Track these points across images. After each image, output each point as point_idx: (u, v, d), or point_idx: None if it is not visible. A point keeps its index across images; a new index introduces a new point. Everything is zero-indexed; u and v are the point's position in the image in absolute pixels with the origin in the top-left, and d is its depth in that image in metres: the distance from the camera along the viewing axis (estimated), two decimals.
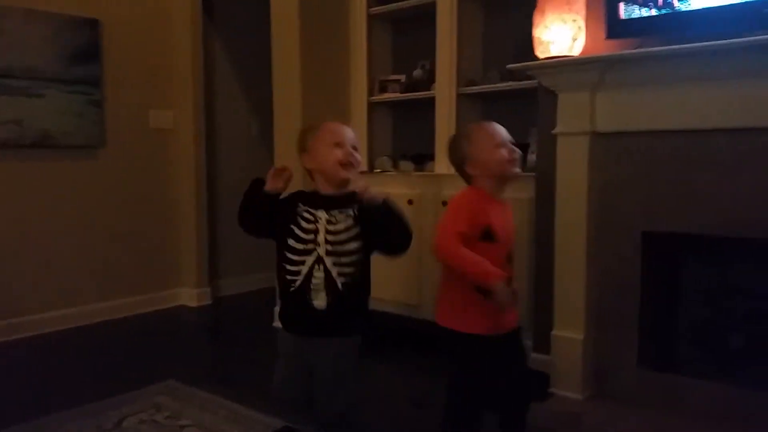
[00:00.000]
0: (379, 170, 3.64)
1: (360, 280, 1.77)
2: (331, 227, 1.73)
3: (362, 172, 3.67)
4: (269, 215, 1.78)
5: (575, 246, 2.55)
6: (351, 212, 1.75)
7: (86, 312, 3.77)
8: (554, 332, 2.62)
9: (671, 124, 2.32)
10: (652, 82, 2.34)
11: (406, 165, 3.54)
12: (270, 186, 1.76)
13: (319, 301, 1.72)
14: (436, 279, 1.99)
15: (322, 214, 1.75)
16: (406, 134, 3.83)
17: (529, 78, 2.76)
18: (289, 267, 1.75)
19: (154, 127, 4.11)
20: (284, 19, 3.54)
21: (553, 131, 2.58)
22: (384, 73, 3.75)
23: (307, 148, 1.82)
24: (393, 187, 3.46)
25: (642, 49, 2.31)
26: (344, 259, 1.73)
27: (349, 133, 1.81)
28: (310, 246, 1.73)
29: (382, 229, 1.73)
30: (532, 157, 2.92)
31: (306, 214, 1.75)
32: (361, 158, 1.82)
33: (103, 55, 3.79)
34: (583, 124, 2.49)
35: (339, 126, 1.83)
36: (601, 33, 2.47)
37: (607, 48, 2.46)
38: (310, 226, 1.74)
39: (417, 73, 3.55)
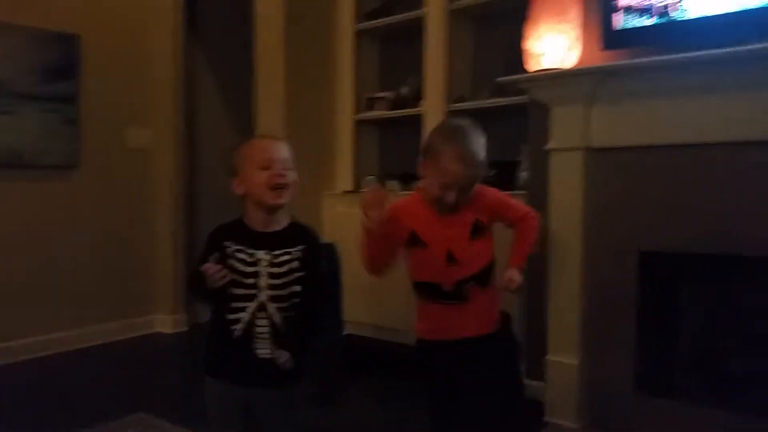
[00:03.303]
0: (364, 190, 3.53)
1: (298, 323, 1.61)
2: (275, 270, 1.56)
3: (347, 192, 3.57)
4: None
5: (569, 267, 2.44)
6: (297, 253, 1.59)
7: (58, 340, 3.57)
8: (548, 357, 2.50)
9: (669, 138, 2.23)
10: (650, 95, 2.25)
11: (393, 184, 3.43)
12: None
13: (264, 350, 1.56)
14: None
15: (263, 256, 1.57)
16: (393, 153, 3.73)
17: (521, 93, 2.67)
18: (228, 314, 1.57)
19: (131, 147, 3.96)
20: (269, 35, 3.47)
21: (546, 147, 2.49)
22: (371, 90, 3.66)
23: (237, 170, 1.61)
24: None
25: (637, 59, 2.24)
26: (286, 304, 1.58)
27: (281, 151, 1.61)
28: (252, 291, 1.56)
29: None
30: (523, 175, 2.82)
31: (242, 255, 1.56)
32: (296, 178, 1.61)
33: (81, 72, 3.65)
34: (577, 139, 2.40)
35: (268, 143, 1.64)
36: (596, 44, 2.39)
37: (602, 60, 2.37)
38: (250, 269, 1.56)
39: (404, 89, 3.47)
